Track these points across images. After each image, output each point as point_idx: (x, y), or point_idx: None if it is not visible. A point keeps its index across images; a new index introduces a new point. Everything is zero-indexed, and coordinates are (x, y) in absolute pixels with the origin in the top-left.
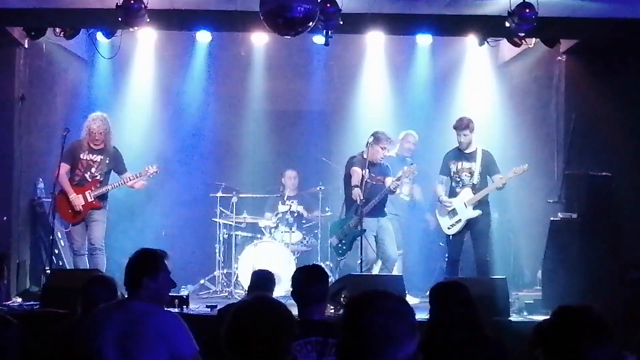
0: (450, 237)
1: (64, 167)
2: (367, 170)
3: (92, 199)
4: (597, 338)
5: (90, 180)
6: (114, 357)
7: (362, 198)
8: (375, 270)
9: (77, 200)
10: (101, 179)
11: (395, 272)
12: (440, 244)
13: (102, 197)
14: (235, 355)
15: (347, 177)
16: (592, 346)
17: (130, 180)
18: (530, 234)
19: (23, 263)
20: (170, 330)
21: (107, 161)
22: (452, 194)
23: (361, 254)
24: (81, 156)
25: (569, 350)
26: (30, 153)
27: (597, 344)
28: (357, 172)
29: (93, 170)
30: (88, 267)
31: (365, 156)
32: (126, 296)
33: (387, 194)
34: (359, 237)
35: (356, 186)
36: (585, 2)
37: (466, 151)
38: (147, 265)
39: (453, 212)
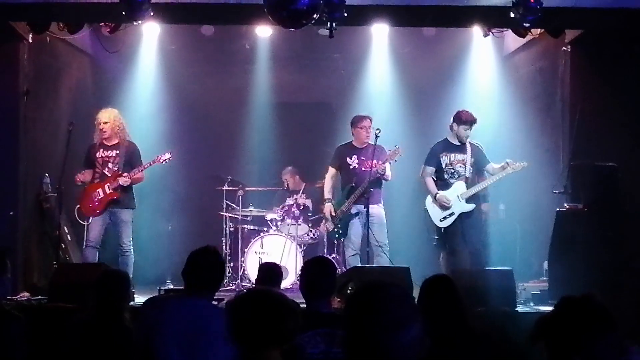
0: (443, 229)
1: (87, 173)
2: (355, 156)
3: (110, 190)
4: (599, 328)
5: (109, 175)
6: (176, 353)
7: (333, 214)
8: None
9: (96, 194)
10: (120, 172)
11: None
12: (433, 236)
13: (123, 190)
14: (239, 344)
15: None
16: (595, 336)
17: (141, 170)
18: (537, 224)
19: (30, 258)
20: None
21: (124, 155)
22: (444, 186)
23: (368, 244)
24: (97, 155)
25: (572, 340)
26: (35, 148)
27: (600, 333)
28: (327, 180)
29: (110, 165)
30: (97, 263)
31: (354, 143)
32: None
33: (378, 179)
34: (352, 221)
35: (327, 199)
36: None
37: (456, 143)
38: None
39: (445, 205)
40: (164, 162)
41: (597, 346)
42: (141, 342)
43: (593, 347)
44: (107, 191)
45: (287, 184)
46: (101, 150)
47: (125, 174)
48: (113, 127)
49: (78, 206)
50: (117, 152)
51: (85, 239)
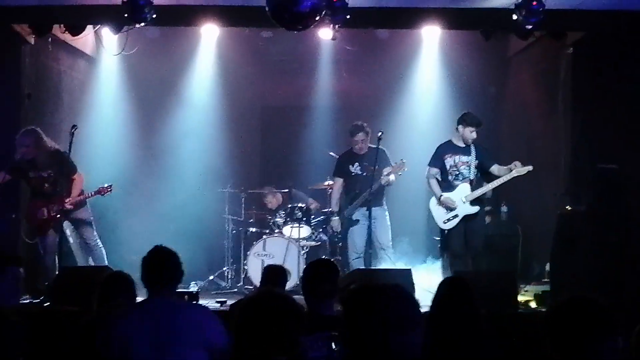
0: (446, 231)
1: (3, 176)
2: (357, 163)
3: (54, 213)
4: (602, 331)
5: (52, 194)
6: (148, 354)
7: (338, 229)
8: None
9: (41, 213)
10: (62, 192)
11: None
12: (435, 237)
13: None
14: (244, 348)
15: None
16: (597, 339)
17: (85, 197)
18: (539, 226)
19: (32, 261)
20: (204, 323)
21: (55, 171)
22: (448, 187)
23: (371, 247)
24: (30, 175)
25: (574, 341)
26: None
27: (602, 336)
28: (333, 192)
29: (47, 185)
30: (57, 264)
31: (354, 150)
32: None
33: (382, 187)
34: (354, 227)
35: (335, 213)
36: None
37: (461, 145)
38: (181, 265)
39: (450, 207)
40: (104, 194)
41: (599, 349)
42: (112, 356)
43: (595, 349)
44: (52, 213)
45: (269, 204)
46: (32, 170)
47: (67, 199)
48: (35, 149)
49: (24, 222)
50: (49, 171)
51: (41, 248)
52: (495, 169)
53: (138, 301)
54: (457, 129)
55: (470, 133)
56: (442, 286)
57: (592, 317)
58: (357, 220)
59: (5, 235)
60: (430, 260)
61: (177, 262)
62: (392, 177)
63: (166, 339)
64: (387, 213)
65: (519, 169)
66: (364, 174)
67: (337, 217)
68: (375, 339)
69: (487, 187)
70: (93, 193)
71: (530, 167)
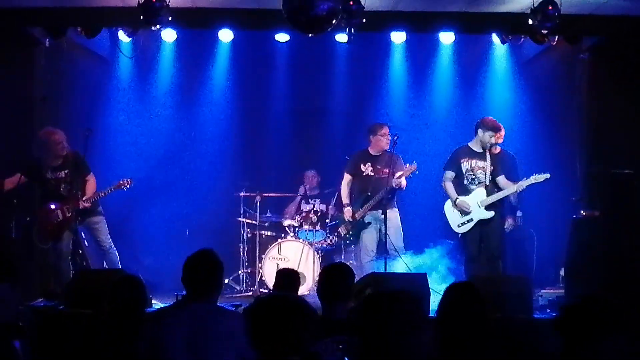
0: (460, 235)
1: (17, 178)
2: (370, 163)
3: (70, 214)
4: (611, 327)
5: (68, 195)
6: (182, 357)
7: (351, 219)
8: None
9: (55, 215)
10: (77, 192)
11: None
12: (449, 241)
13: (82, 210)
14: (258, 350)
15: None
16: (606, 333)
17: (105, 194)
18: (553, 231)
19: (47, 264)
20: (239, 330)
21: (71, 172)
22: (464, 191)
23: (385, 250)
24: (47, 176)
25: (584, 335)
26: None
27: (610, 332)
28: (343, 187)
29: (63, 186)
30: (71, 269)
31: (370, 151)
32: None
33: (394, 190)
34: (365, 229)
35: (347, 204)
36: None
37: (478, 149)
38: (223, 269)
39: (465, 210)
40: (124, 189)
41: (607, 345)
42: (147, 357)
43: (603, 344)
44: (67, 214)
45: (305, 188)
46: (49, 171)
47: (84, 198)
48: (62, 150)
49: (37, 227)
50: (66, 171)
51: (55, 254)
52: (501, 180)
53: (176, 304)
54: (476, 133)
55: (490, 138)
56: (446, 292)
57: (599, 314)
58: (369, 223)
59: (20, 239)
60: (445, 265)
61: (218, 268)
62: (403, 180)
63: (202, 344)
64: (398, 215)
65: (536, 176)
66: (375, 175)
67: (348, 207)
68: (379, 341)
69: (504, 193)
70: (113, 188)
71: (547, 175)
